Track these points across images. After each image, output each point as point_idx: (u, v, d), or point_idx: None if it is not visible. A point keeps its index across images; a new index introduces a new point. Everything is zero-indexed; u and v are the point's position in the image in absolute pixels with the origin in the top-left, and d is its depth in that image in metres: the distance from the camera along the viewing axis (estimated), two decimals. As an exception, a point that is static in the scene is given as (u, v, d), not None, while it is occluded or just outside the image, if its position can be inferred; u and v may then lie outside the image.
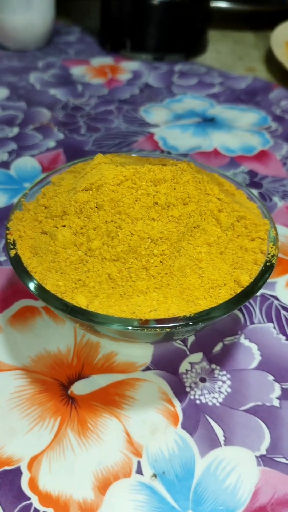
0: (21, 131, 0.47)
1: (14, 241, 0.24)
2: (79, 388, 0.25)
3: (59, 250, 0.22)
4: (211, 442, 0.24)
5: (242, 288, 0.22)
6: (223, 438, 0.24)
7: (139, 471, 0.22)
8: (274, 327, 0.29)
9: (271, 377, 0.27)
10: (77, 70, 0.60)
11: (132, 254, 0.22)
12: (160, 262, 0.22)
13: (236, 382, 0.26)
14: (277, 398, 0.26)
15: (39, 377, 0.26)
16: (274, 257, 0.24)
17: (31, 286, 0.22)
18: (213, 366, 0.27)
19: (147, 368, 0.27)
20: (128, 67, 0.61)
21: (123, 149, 0.45)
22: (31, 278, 0.22)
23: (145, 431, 0.24)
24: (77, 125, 0.49)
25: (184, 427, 0.24)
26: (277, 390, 0.26)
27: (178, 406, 0.25)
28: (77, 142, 0.46)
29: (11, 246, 0.23)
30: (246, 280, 0.23)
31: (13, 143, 0.45)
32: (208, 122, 0.50)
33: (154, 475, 0.22)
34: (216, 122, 0.50)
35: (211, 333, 0.29)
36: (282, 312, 0.30)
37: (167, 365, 0.27)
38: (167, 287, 0.22)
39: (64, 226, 0.23)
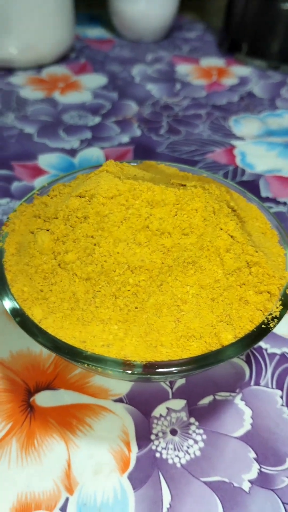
0: (101, 122, 0.47)
1: (6, 234, 0.23)
2: (42, 399, 0.24)
3: (35, 254, 0.21)
4: (152, 506, 0.21)
5: (220, 347, 0.19)
6: (168, 506, 0.21)
7: (63, 509, 0.21)
8: (281, 396, 0.25)
9: (252, 454, 0.23)
10: (182, 68, 0.58)
11: (104, 277, 0.19)
12: (133, 293, 0.19)
13: (210, 447, 0.23)
14: (250, 481, 0.22)
15: (10, 375, 0.25)
16: (275, 320, 0.20)
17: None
18: (192, 420, 0.24)
19: (120, 400, 0.24)
20: (237, 72, 0.58)
21: (196, 157, 0.42)
22: (2, 275, 0.21)
23: (88, 468, 0.22)
24: (159, 125, 0.47)
25: (130, 477, 0.22)
26: (253, 472, 0.22)
27: (134, 452, 0.22)
28: (151, 142, 0.44)
29: (1, 238, 0.23)
30: (227, 339, 0.19)
31: (90, 132, 0.45)
32: (301, 144, 0.45)
33: (76, 520, 0.20)
34: (309, 146, 0.45)
35: (204, 382, 0.25)
36: (300, 381, 0.26)
37: (142, 403, 0.24)
38: (132, 323, 0.19)
39: (48, 230, 0.21)
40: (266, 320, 0.20)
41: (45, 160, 0.41)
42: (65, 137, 0.44)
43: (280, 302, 0.20)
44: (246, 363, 0.26)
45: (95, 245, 0.20)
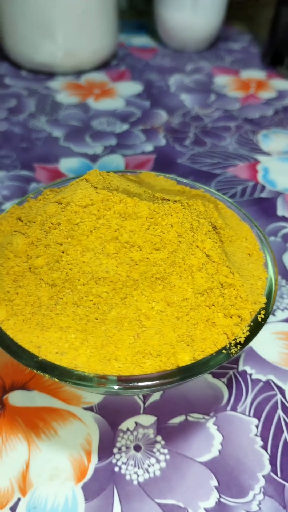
0: (129, 129, 0.47)
1: (-8, 233, 0.24)
2: (15, 398, 0.25)
3: (10, 256, 0.21)
4: (100, 520, 0.21)
5: (174, 368, 0.18)
6: (116, 523, 0.20)
7: (13, 509, 0.21)
8: (257, 426, 0.24)
9: (214, 482, 0.22)
10: (221, 80, 0.57)
11: (68, 285, 0.20)
12: (94, 304, 0.19)
13: (172, 468, 0.22)
14: (206, 509, 0.21)
15: (-11, 371, 0.26)
16: (238, 347, 0.19)
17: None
18: (158, 438, 0.23)
19: (90, 408, 0.24)
20: (276, 85, 0.56)
21: (216, 170, 0.42)
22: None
23: (45, 472, 0.22)
24: (185, 135, 0.46)
25: (84, 488, 0.21)
26: (211, 500, 0.21)
27: (93, 463, 0.22)
28: (174, 152, 0.44)
29: (-15, 238, 0.23)
30: (185, 360, 0.18)
31: (115, 139, 0.45)
32: None
33: (22, 523, 0.20)
34: None
35: (179, 400, 0.25)
36: (280, 412, 0.25)
37: (111, 414, 0.24)
38: (90, 333, 0.19)
39: (25, 233, 0.21)
40: (228, 346, 0.19)
41: (66, 164, 0.42)
42: (90, 143, 0.45)
43: (248, 328, 0.20)
44: (227, 386, 0.26)
45: (63, 252, 0.20)
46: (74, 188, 0.21)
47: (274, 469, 0.22)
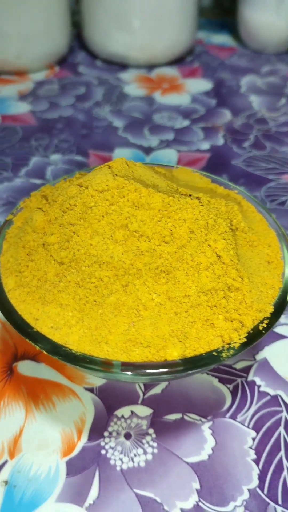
0: (189, 126, 0.47)
1: (21, 209, 0.25)
2: (23, 367, 0.26)
3: (28, 231, 0.22)
4: (76, 496, 0.21)
5: (160, 361, 0.18)
6: (91, 502, 0.21)
7: None
8: (254, 439, 0.23)
9: (196, 485, 0.21)
10: (295, 83, 0.55)
11: (74, 265, 0.20)
12: (95, 287, 0.20)
13: (157, 463, 0.22)
14: (182, 510, 0.21)
15: (5, 337, 0.27)
16: (231, 351, 0.18)
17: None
18: (150, 431, 0.23)
19: (91, 389, 0.25)
20: None
21: (270, 176, 0.40)
22: (0, 244, 0.23)
23: (35, 440, 0.23)
24: (246, 137, 0.45)
25: (68, 463, 0.22)
26: (189, 502, 0.21)
27: (82, 442, 0.23)
28: (230, 153, 0.43)
29: (14, 211, 0.25)
30: (172, 355, 0.18)
31: (173, 134, 0.46)
32: None
33: (5, 482, 0.21)
34: None
35: (179, 397, 0.25)
36: (282, 430, 0.23)
37: (109, 399, 0.25)
38: (87, 314, 0.19)
39: (45, 211, 0.22)
40: (221, 349, 0.19)
41: (119, 154, 0.42)
42: (147, 135, 0.45)
43: (246, 335, 0.19)
44: (231, 393, 0.25)
45: (74, 233, 0.20)
46: (95, 173, 0.22)
47: (261, 485, 0.22)
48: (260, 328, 0.19)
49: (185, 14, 0.55)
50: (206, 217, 0.21)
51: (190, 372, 0.18)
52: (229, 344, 0.19)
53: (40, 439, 0.23)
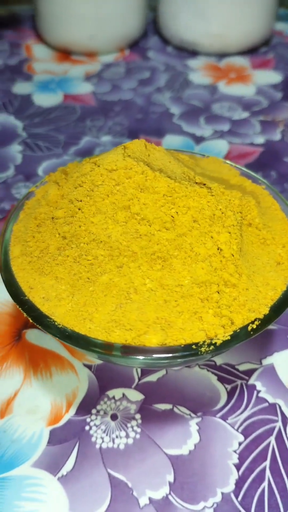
0: (247, 118, 0.45)
1: (45, 182, 0.25)
2: (31, 335, 0.27)
3: (42, 203, 0.23)
4: (52, 465, 0.22)
5: (134, 344, 0.18)
6: (64, 473, 0.21)
7: (-11, 426, 0.23)
8: (241, 443, 0.22)
9: (170, 478, 0.21)
10: None
11: (75, 240, 0.20)
12: (90, 264, 0.20)
13: (137, 448, 0.22)
14: (150, 499, 0.21)
15: (22, 305, 0.28)
16: (211, 347, 0.18)
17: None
18: (137, 416, 0.23)
19: (89, 367, 0.25)
20: None
21: None
22: (17, 214, 0.24)
23: (28, 405, 0.24)
24: (306, 135, 0.43)
25: (52, 432, 0.23)
26: (159, 493, 0.21)
27: (69, 415, 0.23)
28: (284, 150, 0.41)
29: (38, 184, 0.25)
30: (151, 341, 0.18)
31: (229, 125, 0.44)
32: None
33: (-9, 439, 0.23)
34: None
35: (173, 388, 0.24)
36: (273, 440, 0.22)
37: (104, 379, 0.25)
38: (78, 290, 0.20)
39: (60, 186, 0.23)
40: (201, 343, 0.18)
41: (169, 140, 0.42)
42: (202, 124, 0.44)
43: (231, 333, 0.18)
44: (228, 393, 0.24)
45: (79, 209, 0.21)
46: (109, 153, 0.22)
47: (236, 492, 0.21)
48: (249, 329, 0.18)
49: (264, 3, 0.52)
50: (213, 207, 0.20)
51: (165, 362, 0.18)
52: (211, 339, 0.18)
53: (31, 405, 0.24)
